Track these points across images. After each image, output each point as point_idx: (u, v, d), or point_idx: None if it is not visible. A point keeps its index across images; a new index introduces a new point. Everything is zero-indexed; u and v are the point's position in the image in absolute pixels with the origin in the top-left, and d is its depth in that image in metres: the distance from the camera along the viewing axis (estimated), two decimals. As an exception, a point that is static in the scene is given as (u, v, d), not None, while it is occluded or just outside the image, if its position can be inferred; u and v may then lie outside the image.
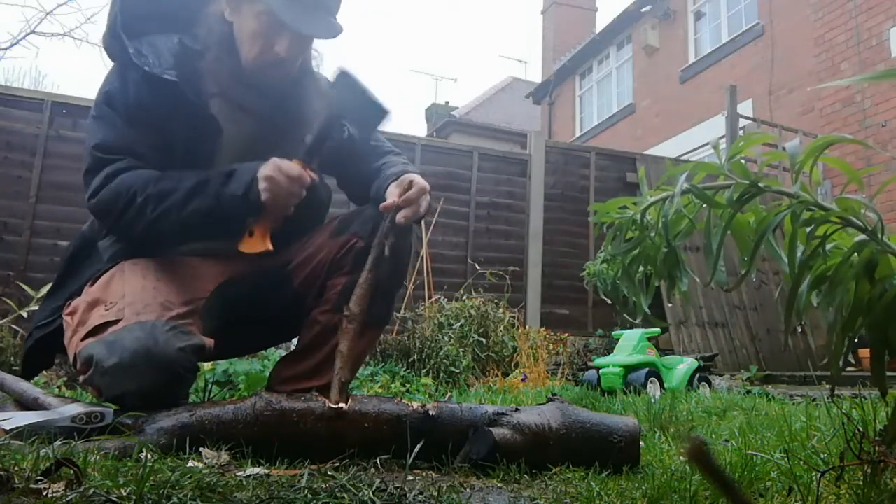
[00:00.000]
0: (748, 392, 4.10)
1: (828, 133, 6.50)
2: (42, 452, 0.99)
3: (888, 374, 1.01)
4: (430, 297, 5.32)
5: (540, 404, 1.40)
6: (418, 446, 1.21)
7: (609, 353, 4.61)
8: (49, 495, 0.84)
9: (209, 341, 1.40)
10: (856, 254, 0.97)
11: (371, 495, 0.95)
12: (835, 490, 1.07)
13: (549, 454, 1.29)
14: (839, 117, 7.89)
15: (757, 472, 1.16)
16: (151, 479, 0.89)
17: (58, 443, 1.09)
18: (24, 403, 1.37)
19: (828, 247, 1.02)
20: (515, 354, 4.95)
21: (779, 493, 1.08)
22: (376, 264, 1.44)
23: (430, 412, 1.30)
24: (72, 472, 0.90)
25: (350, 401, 1.28)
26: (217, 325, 1.51)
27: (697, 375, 4.15)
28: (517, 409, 1.34)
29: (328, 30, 1.54)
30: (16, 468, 0.92)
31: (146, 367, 1.27)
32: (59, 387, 3.65)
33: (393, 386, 3.68)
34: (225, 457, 1.16)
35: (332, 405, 1.26)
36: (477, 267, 6.15)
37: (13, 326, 3.86)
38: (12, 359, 3.73)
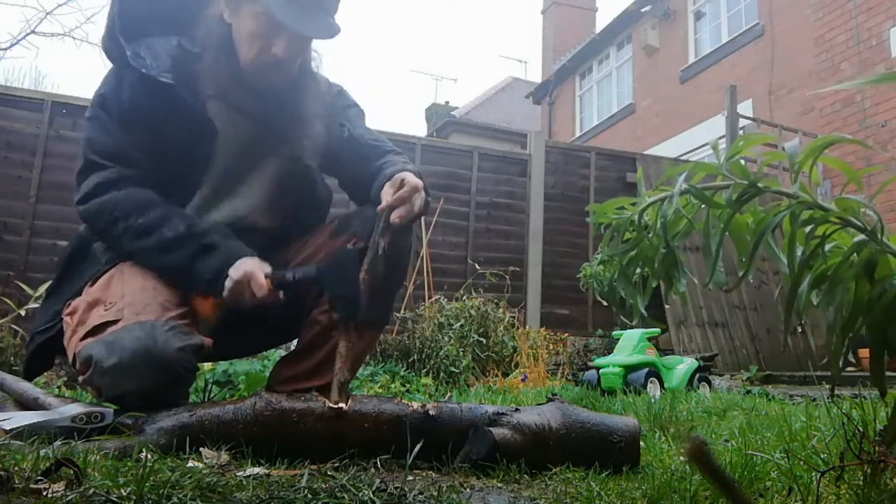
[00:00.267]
0: (748, 392, 4.10)
1: (828, 133, 6.51)
2: (42, 452, 0.99)
3: (888, 374, 1.01)
4: (430, 297, 5.33)
5: (540, 404, 1.40)
6: (418, 446, 1.21)
7: (609, 353, 4.61)
8: (49, 495, 0.84)
9: (208, 341, 1.40)
10: (855, 254, 0.97)
11: (371, 495, 0.95)
12: (835, 490, 1.07)
13: (549, 454, 1.29)
14: (839, 117, 7.89)
15: (757, 472, 1.16)
16: (151, 479, 0.89)
17: (58, 443, 1.10)
18: (24, 403, 1.37)
19: (827, 247, 1.02)
20: (515, 354, 4.95)
21: (779, 493, 1.08)
22: (372, 264, 1.44)
23: (430, 412, 1.30)
24: (72, 472, 0.90)
25: (350, 401, 1.28)
26: (216, 325, 1.51)
27: (697, 375, 4.15)
28: (517, 409, 1.34)
29: (326, 30, 1.54)
30: (16, 468, 0.92)
31: (146, 366, 1.27)
32: (59, 387, 3.65)
33: (393, 386, 3.68)
34: (225, 457, 1.16)
35: (332, 405, 1.26)
36: (477, 267, 6.15)
37: (13, 326, 3.86)
38: (12, 359, 3.74)
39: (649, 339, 4.25)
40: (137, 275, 1.48)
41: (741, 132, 7.06)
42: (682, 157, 9.54)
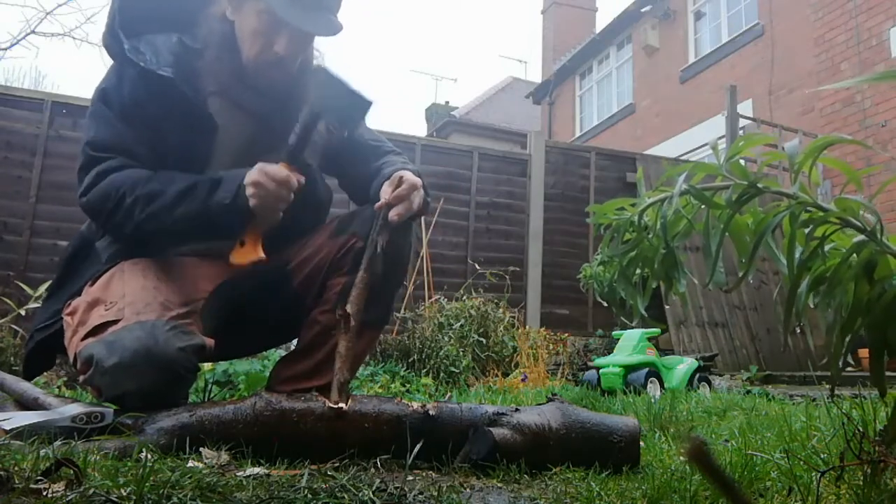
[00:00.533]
0: (748, 392, 4.10)
1: (828, 133, 6.51)
2: (42, 452, 0.99)
3: (888, 374, 1.01)
4: (430, 297, 5.33)
5: (540, 404, 1.40)
6: (418, 446, 1.21)
7: (609, 353, 4.61)
8: (49, 495, 0.84)
9: (209, 341, 1.40)
10: (855, 254, 0.97)
11: (371, 495, 0.95)
12: (835, 490, 1.07)
13: (549, 454, 1.29)
14: (839, 117, 7.89)
15: (757, 472, 1.16)
16: (151, 479, 0.89)
17: (58, 443, 1.10)
18: (24, 403, 1.37)
19: (827, 247, 1.02)
20: (515, 354, 4.95)
21: (779, 493, 1.08)
22: (371, 263, 1.44)
23: (430, 412, 1.30)
24: (72, 472, 0.90)
25: (350, 401, 1.28)
26: (217, 325, 1.51)
27: (697, 375, 4.15)
28: (517, 409, 1.34)
29: (328, 27, 1.54)
30: (16, 468, 0.92)
31: (146, 366, 1.27)
32: (59, 387, 3.65)
33: (393, 386, 3.68)
34: (225, 457, 1.16)
35: (331, 405, 1.26)
36: (477, 267, 6.15)
37: (13, 326, 3.86)
38: (12, 359, 3.74)
39: (649, 340, 4.25)
40: (138, 274, 1.48)
41: (741, 132, 7.05)
42: (682, 158, 9.54)
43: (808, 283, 1.04)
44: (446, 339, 4.50)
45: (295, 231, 1.68)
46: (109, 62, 1.56)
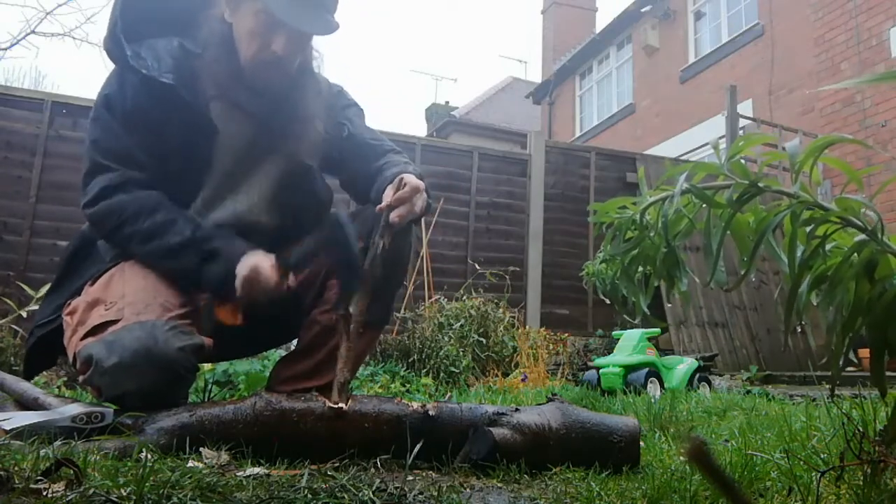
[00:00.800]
0: (748, 392, 4.10)
1: (828, 133, 6.50)
2: (42, 452, 0.99)
3: (888, 374, 1.01)
4: (430, 297, 5.32)
5: (540, 404, 1.40)
6: (418, 446, 1.21)
7: (609, 353, 4.61)
8: (49, 495, 0.84)
9: (209, 341, 1.40)
10: (856, 254, 0.97)
11: (371, 495, 0.95)
12: (835, 490, 1.07)
13: (549, 454, 1.29)
14: (839, 117, 7.89)
15: (757, 472, 1.16)
16: (151, 479, 0.89)
17: (58, 443, 1.10)
18: (24, 403, 1.37)
19: (827, 247, 1.02)
20: (515, 354, 4.95)
21: (779, 493, 1.08)
22: (372, 264, 1.44)
23: (430, 412, 1.30)
24: (72, 472, 0.90)
25: (350, 401, 1.28)
26: (216, 325, 1.50)
27: (697, 375, 4.15)
28: (517, 409, 1.34)
29: (325, 26, 1.54)
30: (16, 468, 0.92)
31: (146, 366, 1.27)
32: (59, 387, 3.65)
33: (393, 386, 3.68)
34: (225, 457, 1.16)
35: (332, 405, 1.26)
36: (477, 267, 6.15)
37: (13, 326, 3.86)
38: (12, 359, 3.73)
39: (649, 339, 4.25)
40: (138, 274, 1.48)
41: (741, 132, 7.06)
42: (683, 157, 9.54)
43: (809, 282, 1.04)
44: (446, 339, 4.50)
45: (296, 231, 1.68)
46: (110, 64, 1.56)
